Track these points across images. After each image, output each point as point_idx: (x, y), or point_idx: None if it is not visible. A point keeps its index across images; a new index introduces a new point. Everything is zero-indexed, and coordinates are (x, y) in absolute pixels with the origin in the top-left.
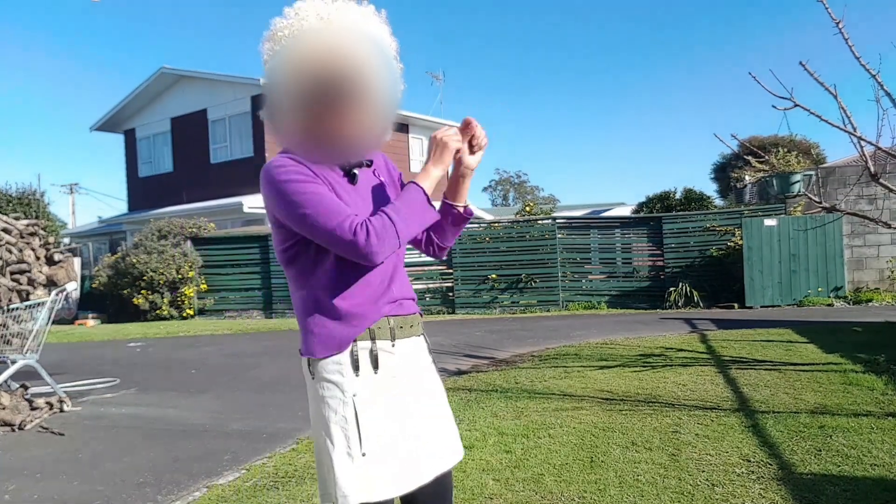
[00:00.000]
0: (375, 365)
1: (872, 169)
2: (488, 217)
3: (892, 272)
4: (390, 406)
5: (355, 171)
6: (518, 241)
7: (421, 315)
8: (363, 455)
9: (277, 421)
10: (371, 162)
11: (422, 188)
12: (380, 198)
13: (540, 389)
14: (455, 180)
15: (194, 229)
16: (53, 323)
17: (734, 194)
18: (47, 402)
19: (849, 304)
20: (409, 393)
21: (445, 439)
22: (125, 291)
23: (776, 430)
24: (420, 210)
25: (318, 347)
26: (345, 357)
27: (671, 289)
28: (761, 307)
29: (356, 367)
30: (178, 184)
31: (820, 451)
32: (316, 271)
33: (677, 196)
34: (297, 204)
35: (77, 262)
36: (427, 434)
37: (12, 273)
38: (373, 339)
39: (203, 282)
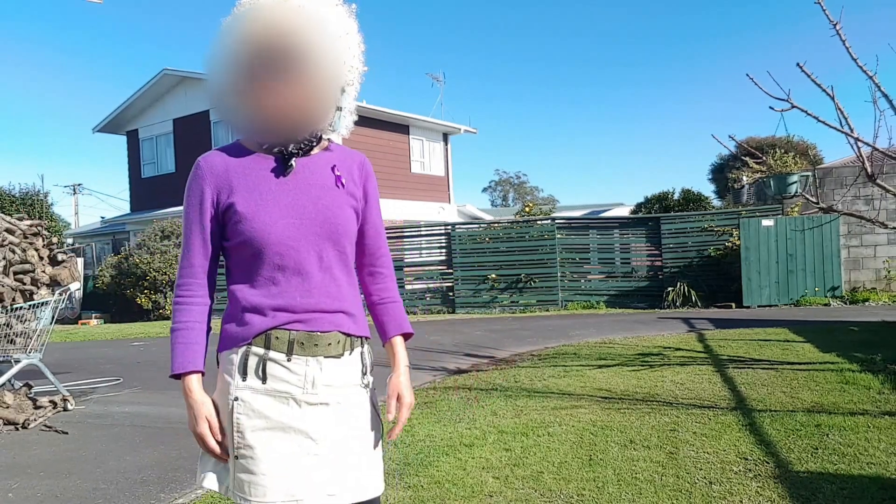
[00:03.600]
0: (263, 375)
1: (869, 170)
2: (488, 217)
3: (889, 272)
4: (276, 430)
5: (292, 161)
6: (518, 241)
7: (353, 336)
8: (235, 458)
9: None
10: (299, 150)
11: (176, 374)
12: (317, 196)
13: (539, 388)
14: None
15: None
16: (57, 322)
17: (732, 195)
18: (51, 401)
19: (845, 303)
20: (302, 428)
21: (348, 478)
22: (128, 291)
23: (773, 428)
24: (175, 351)
25: (220, 342)
26: (236, 357)
27: (669, 289)
28: (759, 307)
29: (243, 372)
30: (181, 184)
31: (816, 449)
32: (232, 265)
33: (675, 197)
34: (183, 224)
35: (80, 262)
36: (320, 470)
37: (16, 273)
38: (267, 347)
39: None
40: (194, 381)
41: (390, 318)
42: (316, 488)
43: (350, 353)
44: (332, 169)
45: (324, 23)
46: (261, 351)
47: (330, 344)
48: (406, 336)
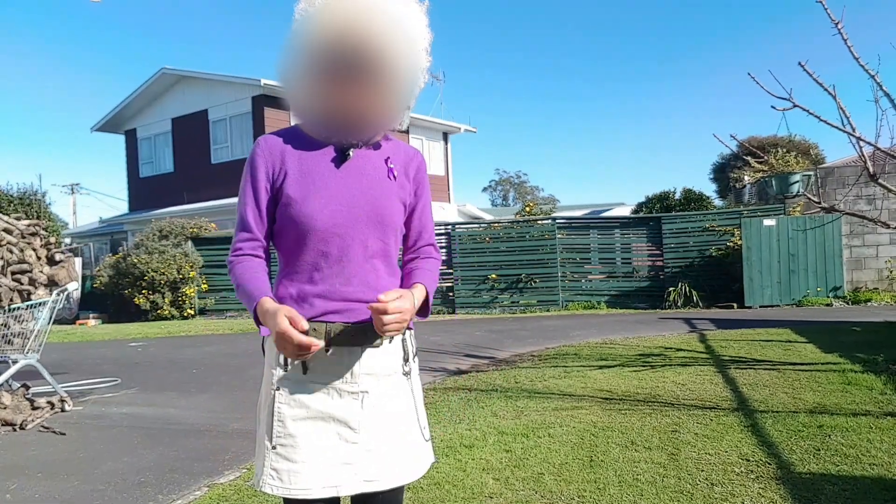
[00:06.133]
0: (304, 366)
1: (871, 169)
2: (488, 217)
3: (891, 272)
4: (316, 420)
5: (350, 151)
6: (518, 241)
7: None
8: (273, 448)
9: None
10: (359, 143)
11: (254, 310)
12: (368, 186)
13: (540, 389)
14: None
15: (195, 229)
16: (54, 323)
17: (733, 194)
18: (48, 402)
19: (847, 303)
20: (342, 417)
21: (384, 465)
22: (126, 291)
23: (775, 429)
24: (243, 297)
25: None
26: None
27: (670, 289)
28: (760, 307)
29: (285, 363)
30: (179, 184)
31: (818, 450)
32: (280, 250)
33: (677, 196)
34: (238, 196)
35: (78, 262)
36: (358, 459)
37: (13, 273)
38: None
39: (204, 282)
40: (266, 302)
41: (420, 272)
42: (354, 475)
43: (390, 342)
44: (386, 161)
45: (407, 29)
46: None
47: (366, 334)
48: (426, 299)
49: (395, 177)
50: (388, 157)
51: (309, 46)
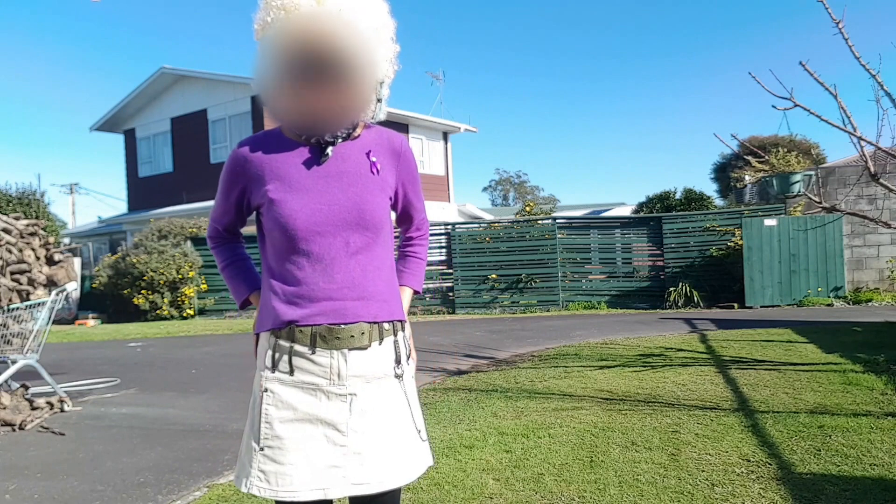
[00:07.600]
0: (290, 367)
1: (872, 169)
2: (488, 217)
3: (892, 272)
4: (304, 422)
5: (329, 150)
6: (518, 241)
7: (381, 324)
8: (260, 450)
9: None
10: (336, 139)
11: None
12: (348, 183)
13: (540, 389)
14: None
15: (194, 229)
16: (53, 323)
17: (734, 194)
18: (48, 402)
19: (848, 303)
20: (329, 419)
21: (374, 468)
22: (125, 291)
23: (776, 429)
24: (229, 284)
25: (256, 323)
26: (265, 349)
27: (671, 289)
28: (761, 307)
29: (272, 364)
30: (178, 184)
31: (819, 450)
32: (266, 252)
33: (677, 196)
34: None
35: (77, 262)
36: (347, 461)
37: (12, 273)
38: (292, 340)
39: (203, 282)
40: (255, 297)
41: (408, 270)
42: (342, 478)
43: (380, 343)
44: (368, 154)
45: (363, 27)
46: (286, 344)
47: (353, 336)
48: (414, 293)
49: (377, 171)
50: (370, 151)
51: (271, 54)
